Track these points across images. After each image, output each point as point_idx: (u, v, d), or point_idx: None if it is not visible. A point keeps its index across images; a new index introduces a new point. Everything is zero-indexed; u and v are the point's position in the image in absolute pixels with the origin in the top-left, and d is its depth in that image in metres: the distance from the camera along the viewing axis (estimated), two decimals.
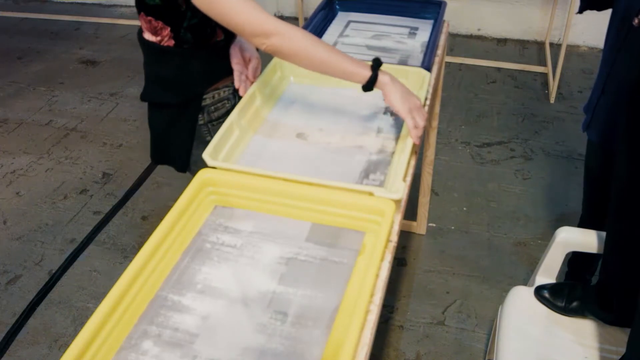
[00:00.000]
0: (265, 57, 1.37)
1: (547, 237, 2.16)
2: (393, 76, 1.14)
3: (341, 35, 1.66)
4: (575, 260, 1.76)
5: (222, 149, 1.13)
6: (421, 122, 1.12)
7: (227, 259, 0.97)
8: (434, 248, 2.16)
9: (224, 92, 1.32)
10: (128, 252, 2.18)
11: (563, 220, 2.24)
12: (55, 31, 4.02)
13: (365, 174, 1.13)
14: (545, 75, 3.25)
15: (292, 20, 3.94)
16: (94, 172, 2.61)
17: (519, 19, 3.60)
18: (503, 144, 2.71)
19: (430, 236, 2.22)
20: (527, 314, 1.41)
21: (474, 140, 2.73)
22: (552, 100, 3.01)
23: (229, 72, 1.30)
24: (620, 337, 1.34)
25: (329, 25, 1.71)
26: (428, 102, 1.31)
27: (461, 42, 3.67)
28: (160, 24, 1.19)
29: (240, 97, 1.27)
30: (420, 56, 1.54)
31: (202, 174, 1.05)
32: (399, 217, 1.01)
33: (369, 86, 1.12)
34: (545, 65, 3.32)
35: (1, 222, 2.35)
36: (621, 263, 1.28)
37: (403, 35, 1.65)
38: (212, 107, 1.31)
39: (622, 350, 1.21)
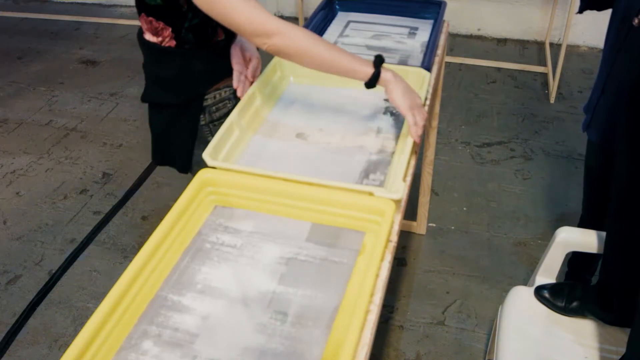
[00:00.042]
0: (265, 57, 1.37)
1: (547, 237, 2.16)
2: (396, 73, 1.13)
3: (341, 35, 1.66)
4: (575, 260, 1.76)
5: (222, 149, 1.13)
6: (421, 121, 1.12)
7: (227, 259, 0.97)
8: (434, 248, 2.16)
9: (225, 92, 1.32)
10: (128, 252, 2.18)
11: (563, 220, 2.24)
12: (55, 31, 4.02)
13: (365, 174, 1.13)
14: (545, 75, 3.25)
15: (292, 20, 3.94)
16: (94, 172, 2.61)
17: (519, 19, 3.60)
18: (503, 144, 2.71)
19: (430, 236, 2.22)
20: (527, 314, 1.41)
21: (474, 140, 2.73)
22: (552, 100, 3.01)
23: (230, 72, 1.30)
24: (620, 337, 1.34)
25: (328, 25, 1.71)
26: (428, 102, 1.31)
27: (461, 42, 3.67)
28: (161, 24, 1.19)
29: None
30: (420, 56, 1.54)
31: (202, 174, 1.05)
32: (399, 217, 1.01)
33: (371, 83, 1.11)
34: (545, 65, 3.32)
35: (1, 222, 2.35)
36: (621, 263, 1.28)
37: (403, 35, 1.65)
38: (214, 107, 1.31)
39: (622, 350, 1.21)
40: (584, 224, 1.66)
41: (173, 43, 1.21)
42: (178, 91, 1.27)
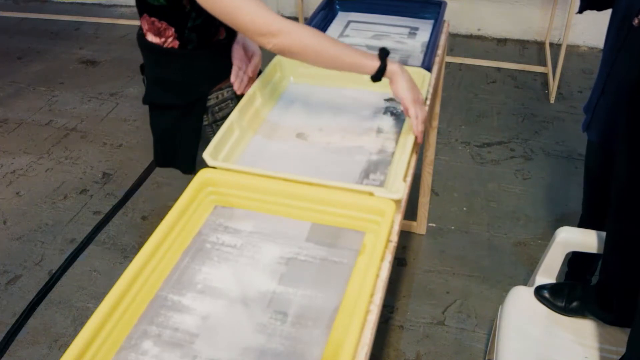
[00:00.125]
0: (266, 57, 1.38)
1: (547, 237, 2.16)
2: (402, 65, 1.13)
3: (341, 35, 1.66)
4: (575, 260, 1.76)
5: (223, 149, 1.13)
6: (422, 116, 1.12)
7: (227, 259, 0.97)
8: (434, 248, 2.16)
9: (227, 92, 1.32)
10: (128, 252, 2.18)
11: (563, 220, 2.24)
12: (55, 31, 4.02)
13: (366, 174, 1.13)
14: (545, 75, 3.25)
15: (292, 20, 3.93)
16: (94, 172, 2.61)
17: (519, 19, 3.60)
18: (503, 144, 2.71)
19: (430, 236, 2.22)
20: (527, 314, 1.41)
21: (474, 140, 2.73)
22: (552, 100, 3.01)
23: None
24: (620, 337, 1.34)
25: (329, 25, 1.71)
26: (428, 102, 1.31)
27: (461, 42, 3.67)
28: (164, 24, 1.18)
29: (242, 95, 1.26)
30: (421, 56, 1.54)
31: (202, 174, 1.05)
32: (399, 217, 1.01)
33: (378, 76, 1.11)
34: (545, 65, 3.32)
35: (1, 222, 2.35)
36: (621, 263, 1.28)
37: (403, 35, 1.65)
38: (217, 108, 1.31)
39: (622, 350, 1.21)
40: (584, 224, 1.66)
41: (176, 43, 1.21)
42: (181, 92, 1.27)
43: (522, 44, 3.64)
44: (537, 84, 3.19)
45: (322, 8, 1.70)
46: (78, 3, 4.41)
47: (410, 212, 2.18)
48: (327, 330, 0.84)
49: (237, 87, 1.29)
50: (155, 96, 1.31)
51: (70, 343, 0.78)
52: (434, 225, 2.26)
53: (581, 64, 3.38)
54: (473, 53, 3.52)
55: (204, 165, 1.08)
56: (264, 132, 1.25)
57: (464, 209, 2.34)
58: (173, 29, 1.18)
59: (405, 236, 2.21)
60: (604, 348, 1.33)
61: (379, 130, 1.26)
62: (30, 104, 3.16)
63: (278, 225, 1.04)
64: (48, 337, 1.87)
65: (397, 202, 0.99)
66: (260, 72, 1.37)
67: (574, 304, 1.39)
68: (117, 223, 2.32)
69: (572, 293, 1.40)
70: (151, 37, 1.22)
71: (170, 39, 1.20)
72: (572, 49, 3.52)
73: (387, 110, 1.32)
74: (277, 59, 1.38)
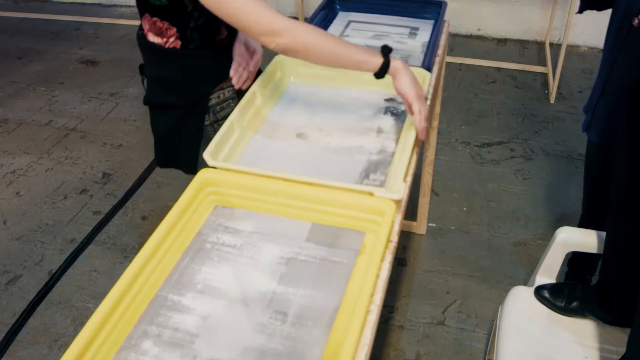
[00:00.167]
0: (266, 56, 1.38)
1: (547, 237, 2.16)
2: (404, 62, 1.13)
3: (341, 35, 1.66)
4: (575, 260, 1.76)
5: (223, 149, 1.13)
6: (425, 112, 1.12)
7: (227, 259, 0.97)
8: (434, 248, 2.16)
9: (229, 91, 1.32)
10: (128, 252, 2.18)
11: (563, 220, 2.24)
12: (55, 31, 4.01)
13: (366, 174, 1.13)
14: (545, 75, 3.25)
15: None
16: (94, 172, 2.61)
17: (519, 19, 3.60)
18: (503, 144, 2.71)
19: (430, 236, 2.22)
20: (527, 314, 1.41)
21: (474, 140, 2.73)
22: (552, 100, 3.01)
23: None
24: (620, 337, 1.34)
25: (329, 25, 1.71)
26: (428, 102, 1.31)
27: (461, 42, 3.67)
28: (166, 24, 1.18)
29: (243, 94, 1.26)
30: (421, 56, 1.54)
31: (202, 174, 1.05)
32: (399, 217, 1.01)
33: (381, 73, 1.10)
34: (545, 65, 3.32)
35: (1, 222, 2.35)
36: (621, 263, 1.28)
37: (403, 36, 1.65)
38: (218, 107, 1.31)
39: (622, 350, 1.21)
40: (584, 224, 1.66)
41: (178, 43, 1.20)
42: (183, 93, 1.27)
43: (522, 44, 3.64)
44: (537, 84, 3.19)
45: (322, 8, 1.70)
46: (78, 3, 4.41)
47: (410, 212, 2.18)
48: (327, 330, 0.84)
49: (235, 81, 1.29)
50: (155, 96, 1.31)
51: (70, 343, 0.78)
52: (434, 225, 2.26)
53: (581, 64, 3.38)
54: (473, 53, 3.52)
55: (205, 165, 1.08)
56: (264, 132, 1.26)
57: (464, 209, 2.34)
58: (175, 29, 1.18)
59: (405, 236, 2.21)
60: (604, 348, 1.33)
61: (379, 130, 1.26)
62: (30, 104, 3.16)
63: (278, 225, 1.04)
64: (48, 337, 1.87)
65: (397, 202, 0.99)
66: (260, 72, 1.37)
67: (574, 304, 1.39)
68: (117, 223, 2.32)
69: (572, 293, 1.40)
70: (152, 37, 1.22)
71: (172, 39, 1.20)
72: (572, 49, 3.52)
73: (387, 110, 1.32)
74: (278, 58, 1.39)
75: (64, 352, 0.76)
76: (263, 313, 0.87)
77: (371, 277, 0.86)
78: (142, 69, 1.34)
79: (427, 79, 1.32)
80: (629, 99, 1.18)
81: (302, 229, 1.02)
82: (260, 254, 0.98)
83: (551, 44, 3.55)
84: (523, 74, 3.28)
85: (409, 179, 1.09)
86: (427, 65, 1.37)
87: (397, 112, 1.32)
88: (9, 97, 3.24)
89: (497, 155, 2.63)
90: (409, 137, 1.14)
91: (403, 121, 1.27)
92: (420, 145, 1.20)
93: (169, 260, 0.96)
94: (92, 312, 0.81)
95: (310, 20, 1.61)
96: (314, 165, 1.15)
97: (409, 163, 1.10)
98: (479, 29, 3.73)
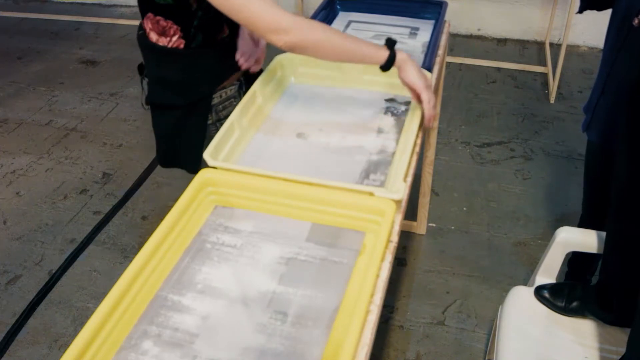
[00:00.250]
0: (266, 56, 1.38)
1: (547, 237, 2.16)
2: (409, 54, 1.14)
3: None
4: (575, 260, 1.76)
5: (223, 149, 1.13)
6: (433, 102, 1.13)
7: (227, 259, 0.97)
8: (434, 248, 2.16)
9: (231, 90, 1.32)
10: (128, 252, 2.18)
11: (563, 220, 2.24)
12: (55, 31, 4.01)
13: (366, 174, 1.13)
14: (545, 75, 3.25)
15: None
16: (94, 172, 2.61)
17: (519, 19, 3.60)
18: (503, 144, 2.71)
19: (430, 236, 2.22)
20: (527, 314, 1.41)
21: (474, 140, 2.73)
22: (552, 100, 3.01)
23: (235, 69, 1.30)
24: (620, 337, 1.34)
25: (329, 25, 1.71)
26: None
27: (461, 42, 3.67)
28: (169, 23, 1.18)
29: (245, 92, 1.26)
30: (421, 56, 1.54)
31: (202, 174, 1.05)
32: (399, 218, 1.01)
33: (388, 65, 1.11)
34: (545, 65, 3.32)
35: (1, 222, 2.35)
36: (621, 263, 1.28)
37: (404, 36, 1.65)
38: (220, 106, 1.31)
39: (622, 350, 1.21)
40: (584, 224, 1.66)
41: (181, 42, 1.20)
42: (186, 92, 1.27)
43: (522, 44, 3.64)
44: (537, 84, 3.19)
45: (322, 8, 1.70)
46: (78, 3, 4.41)
47: (411, 212, 2.18)
48: (327, 330, 0.84)
49: (242, 63, 1.28)
50: (157, 96, 1.31)
51: (70, 343, 0.78)
52: (434, 225, 2.26)
53: (581, 64, 3.38)
54: (473, 53, 3.52)
55: (206, 164, 1.08)
56: (264, 132, 1.25)
57: (464, 209, 2.34)
58: (179, 28, 1.18)
59: (405, 236, 2.21)
60: (604, 348, 1.33)
61: (380, 130, 1.26)
62: (30, 104, 3.16)
63: (278, 225, 1.04)
64: (48, 337, 1.87)
65: (398, 202, 0.99)
66: (261, 71, 1.37)
67: (574, 304, 1.39)
68: (117, 223, 2.32)
69: (572, 293, 1.40)
70: (154, 37, 1.21)
71: (175, 38, 1.19)
72: (572, 49, 3.52)
73: (387, 110, 1.32)
74: (278, 58, 1.39)
75: (64, 352, 0.76)
76: (263, 313, 0.87)
77: (371, 277, 0.86)
78: (140, 69, 1.34)
79: None
80: (629, 99, 1.18)
81: (302, 229, 1.02)
82: (260, 254, 0.98)
83: (551, 44, 3.55)
84: (523, 74, 3.28)
85: (409, 179, 1.09)
86: (428, 66, 1.37)
87: (397, 112, 1.32)
88: (9, 97, 3.24)
89: (497, 155, 2.63)
90: (409, 137, 1.14)
91: (403, 121, 1.27)
92: (421, 144, 1.20)
93: (169, 260, 0.96)
94: (92, 312, 0.81)
95: None
96: (314, 165, 1.15)
97: (409, 163, 1.10)
98: (479, 29, 3.73)
